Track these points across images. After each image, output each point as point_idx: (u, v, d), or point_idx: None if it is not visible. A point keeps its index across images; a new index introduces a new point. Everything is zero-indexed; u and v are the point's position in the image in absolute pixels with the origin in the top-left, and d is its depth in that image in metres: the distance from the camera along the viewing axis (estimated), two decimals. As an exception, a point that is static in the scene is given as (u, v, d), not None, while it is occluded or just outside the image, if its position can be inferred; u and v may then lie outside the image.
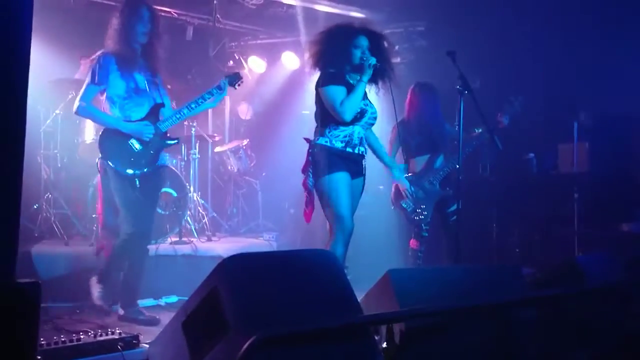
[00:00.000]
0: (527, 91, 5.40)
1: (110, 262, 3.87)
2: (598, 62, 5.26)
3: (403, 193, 4.64)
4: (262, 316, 1.96)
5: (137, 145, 3.69)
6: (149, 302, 4.38)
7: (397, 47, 6.47)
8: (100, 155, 3.71)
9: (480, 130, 4.95)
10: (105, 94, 3.71)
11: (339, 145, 3.56)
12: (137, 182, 3.66)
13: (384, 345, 2.28)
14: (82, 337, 2.80)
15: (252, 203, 6.64)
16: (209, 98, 3.82)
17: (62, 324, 3.51)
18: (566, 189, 5.25)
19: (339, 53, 3.60)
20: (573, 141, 5.25)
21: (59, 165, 5.40)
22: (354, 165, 3.61)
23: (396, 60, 6.50)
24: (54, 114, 5.34)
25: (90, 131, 5.34)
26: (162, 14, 6.16)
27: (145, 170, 3.70)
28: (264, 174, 6.79)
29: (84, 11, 5.85)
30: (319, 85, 3.59)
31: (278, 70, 7.15)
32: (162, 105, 3.83)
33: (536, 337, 2.63)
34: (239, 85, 4.02)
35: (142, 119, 3.73)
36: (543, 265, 4.25)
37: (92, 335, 2.84)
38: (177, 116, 3.81)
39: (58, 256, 4.52)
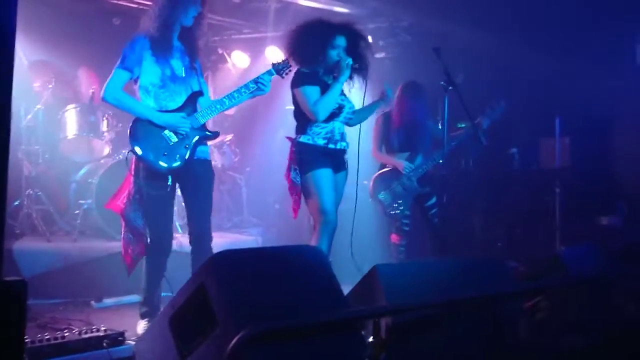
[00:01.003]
0: (510, 87, 5.47)
1: (147, 279, 3.41)
2: (580, 59, 5.33)
3: (401, 169, 4.76)
4: (250, 312, 1.97)
5: (173, 138, 3.27)
6: (133, 298, 4.35)
7: (381, 42, 6.51)
8: (130, 146, 3.25)
9: (464, 125, 5.02)
10: (138, 82, 3.31)
11: (320, 142, 3.61)
12: (170, 180, 3.29)
13: (370, 339, 2.29)
14: (66, 334, 2.78)
15: (237, 198, 6.63)
16: (253, 88, 3.42)
17: (45, 321, 3.47)
18: (548, 183, 5.32)
19: (315, 53, 3.58)
20: (555, 136, 5.32)
21: (40, 161, 5.33)
22: (336, 161, 3.67)
23: (381, 55, 6.56)
24: (35, 108, 5.28)
25: (72, 127, 5.29)
26: (144, 7, 6.13)
27: (179, 165, 3.27)
28: (248, 169, 6.78)
29: (69, 3, 5.76)
30: (293, 85, 3.62)
31: (262, 65, 7.11)
32: (201, 93, 3.41)
33: (522, 329, 2.67)
34: (286, 74, 3.56)
35: (178, 109, 3.32)
36: (526, 259, 4.31)
37: (77, 332, 2.82)
38: (218, 106, 3.38)
39: (40, 252, 4.46)
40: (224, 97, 3.39)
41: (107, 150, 5.43)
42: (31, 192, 5.06)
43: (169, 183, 3.27)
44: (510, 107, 4.84)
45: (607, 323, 2.78)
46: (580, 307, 2.79)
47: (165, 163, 3.23)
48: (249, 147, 6.78)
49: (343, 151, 3.72)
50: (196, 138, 3.33)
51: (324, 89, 3.59)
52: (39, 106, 5.27)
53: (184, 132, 3.29)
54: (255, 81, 3.42)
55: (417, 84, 4.94)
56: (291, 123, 3.80)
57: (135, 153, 3.23)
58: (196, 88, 3.40)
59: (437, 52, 3.96)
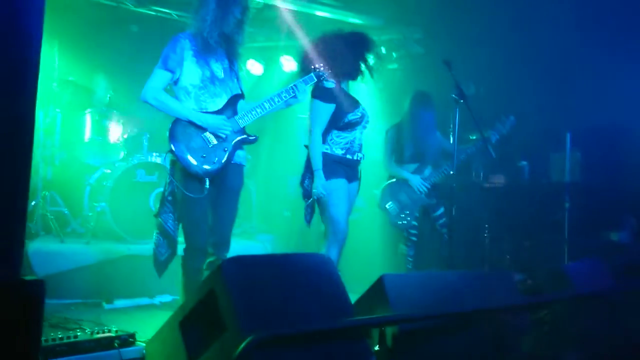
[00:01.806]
0: (521, 100, 5.49)
1: (183, 283, 3.32)
2: (593, 72, 5.34)
3: (415, 189, 4.80)
4: (258, 317, 2.01)
5: (212, 140, 3.22)
6: (143, 300, 4.43)
7: (393, 54, 6.57)
8: (169, 148, 3.20)
9: (474, 138, 5.05)
10: (177, 83, 3.26)
11: (339, 152, 3.66)
12: (207, 183, 3.20)
13: (376, 348, 2.33)
14: (78, 334, 2.83)
15: (247, 204, 6.68)
16: (292, 93, 3.35)
17: (57, 321, 3.53)
18: (557, 197, 5.32)
19: (355, 68, 3.68)
20: (565, 150, 5.32)
21: (57, 163, 5.43)
22: (351, 171, 3.72)
23: (392, 66, 6.62)
24: (55, 111, 5.38)
25: (88, 130, 5.39)
26: (162, 15, 6.23)
27: (217, 168, 3.21)
28: (259, 176, 6.83)
29: (88, 10, 5.87)
30: (312, 95, 3.64)
31: (276, 73, 7.20)
32: (242, 96, 3.38)
33: (527, 342, 2.69)
34: (325, 80, 3.48)
35: (218, 111, 3.26)
36: (533, 272, 4.32)
37: (88, 332, 2.88)
38: (258, 110, 3.30)
39: (54, 253, 4.53)
40: (264, 101, 3.32)
41: (122, 154, 5.52)
42: (47, 193, 5.15)
43: (206, 186, 3.19)
44: (521, 121, 4.86)
45: (611, 338, 2.79)
46: (584, 322, 2.81)
47: (203, 165, 3.18)
48: (261, 154, 6.83)
49: (358, 162, 3.77)
50: (235, 141, 3.28)
51: (342, 103, 3.63)
52: (57, 110, 5.37)
53: (224, 135, 3.24)
54: (295, 87, 3.36)
55: (426, 94, 4.97)
56: (303, 132, 3.85)
57: (174, 153, 3.17)
58: (236, 91, 3.36)
59: (448, 64, 4.00)
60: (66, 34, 5.45)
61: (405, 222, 4.83)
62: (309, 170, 3.66)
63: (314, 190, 3.58)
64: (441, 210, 4.91)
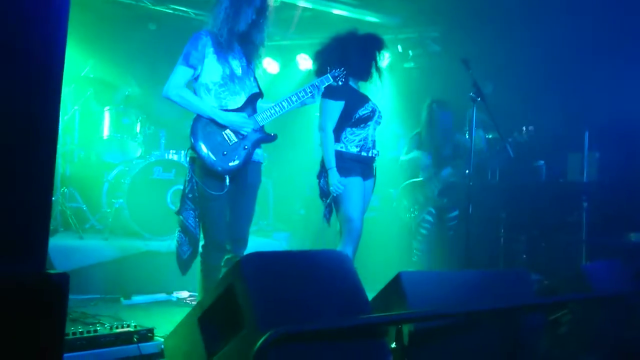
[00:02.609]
0: (539, 98, 5.45)
1: (202, 280, 3.31)
2: (611, 72, 5.28)
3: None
4: (277, 314, 2.02)
5: (233, 138, 3.23)
6: (161, 296, 4.47)
7: (410, 52, 6.55)
8: (190, 145, 3.22)
9: (491, 137, 5.06)
10: (197, 80, 3.26)
11: (353, 150, 3.66)
12: (227, 180, 3.20)
13: (393, 345, 2.33)
14: (98, 329, 2.88)
15: (263, 202, 6.71)
16: (310, 93, 3.35)
17: (77, 315, 3.58)
18: (575, 197, 5.28)
19: (369, 68, 3.69)
20: (583, 150, 5.27)
21: (76, 160, 5.51)
22: (366, 168, 3.71)
23: (409, 65, 6.60)
24: (73, 109, 5.45)
25: (106, 128, 5.45)
26: (180, 13, 6.27)
27: (237, 166, 3.22)
28: (275, 174, 6.86)
29: (106, 8, 5.93)
30: (323, 93, 3.56)
31: (292, 72, 7.22)
32: (261, 95, 3.38)
33: (543, 342, 2.68)
34: (341, 81, 3.47)
35: (239, 109, 3.27)
36: (550, 272, 4.29)
37: (108, 327, 2.92)
38: (277, 109, 3.30)
39: (73, 249, 4.59)
40: (283, 100, 3.32)
41: (139, 151, 5.58)
42: (66, 190, 5.22)
43: (226, 184, 3.19)
44: (538, 120, 4.84)
45: (628, 340, 2.77)
46: (602, 323, 2.78)
47: (224, 163, 3.18)
48: (277, 152, 6.85)
49: (373, 159, 3.77)
50: (255, 140, 3.29)
51: (350, 100, 3.64)
52: (75, 107, 5.44)
53: (245, 133, 3.25)
54: (312, 86, 3.36)
55: (441, 101, 5.09)
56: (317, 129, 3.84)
57: (195, 150, 3.19)
58: (255, 90, 3.37)
59: (466, 63, 3.99)
60: (84, 32, 5.51)
61: (413, 215, 4.92)
62: (324, 169, 3.68)
63: (331, 188, 3.59)
64: (455, 213, 4.98)
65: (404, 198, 5.04)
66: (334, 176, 3.58)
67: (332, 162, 3.59)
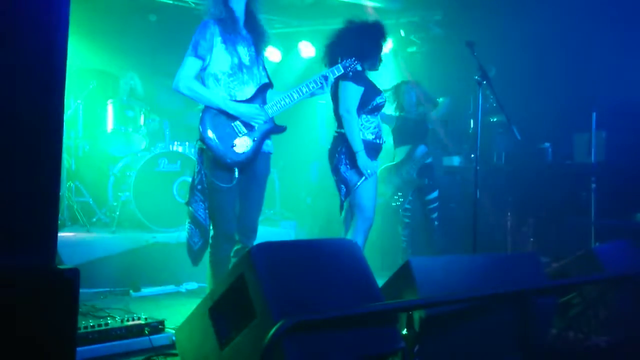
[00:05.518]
0: (544, 80, 5.40)
1: (211, 272, 3.27)
2: (617, 51, 5.23)
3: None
4: (288, 303, 2.02)
5: (242, 129, 3.19)
6: (170, 288, 4.49)
7: (412, 37, 6.50)
8: (199, 136, 3.18)
9: (495, 120, 5.05)
10: (206, 69, 3.20)
11: (370, 137, 3.62)
12: (237, 172, 3.18)
13: (404, 332, 2.33)
14: (109, 322, 2.89)
15: (270, 191, 6.71)
16: (321, 84, 3.31)
17: (87, 309, 3.60)
18: (583, 178, 5.25)
19: (378, 54, 3.65)
20: (590, 130, 5.23)
21: (81, 154, 5.50)
22: (377, 156, 3.69)
23: (412, 49, 6.55)
24: (76, 102, 5.43)
25: (111, 121, 5.44)
26: (180, 4, 6.24)
27: (247, 158, 3.19)
28: (281, 163, 6.85)
29: (104, 0, 5.90)
30: (342, 78, 3.54)
31: (294, 60, 7.18)
32: (271, 85, 3.32)
33: (555, 325, 2.67)
34: (352, 71, 3.48)
35: (249, 100, 3.21)
36: (559, 255, 4.27)
37: (119, 320, 2.93)
38: (287, 100, 3.25)
39: (80, 243, 4.60)
40: (292, 91, 3.27)
41: (144, 143, 5.57)
42: (72, 184, 5.23)
43: (235, 176, 3.17)
44: (544, 101, 4.80)
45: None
46: (614, 304, 2.77)
47: (233, 155, 3.14)
48: (283, 142, 6.84)
49: (381, 147, 3.75)
50: (265, 131, 3.25)
51: (369, 87, 3.61)
52: (79, 100, 5.43)
53: (256, 124, 3.21)
54: (323, 77, 3.31)
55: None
56: (323, 118, 3.82)
57: (204, 142, 3.15)
58: (265, 80, 3.32)
59: (471, 46, 3.95)
60: (84, 24, 5.48)
61: (399, 202, 4.94)
62: (344, 154, 3.56)
63: (368, 171, 3.50)
64: (434, 194, 5.00)
65: (382, 184, 4.98)
66: (364, 158, 3.50)
67: (360, 146, 3.51)
